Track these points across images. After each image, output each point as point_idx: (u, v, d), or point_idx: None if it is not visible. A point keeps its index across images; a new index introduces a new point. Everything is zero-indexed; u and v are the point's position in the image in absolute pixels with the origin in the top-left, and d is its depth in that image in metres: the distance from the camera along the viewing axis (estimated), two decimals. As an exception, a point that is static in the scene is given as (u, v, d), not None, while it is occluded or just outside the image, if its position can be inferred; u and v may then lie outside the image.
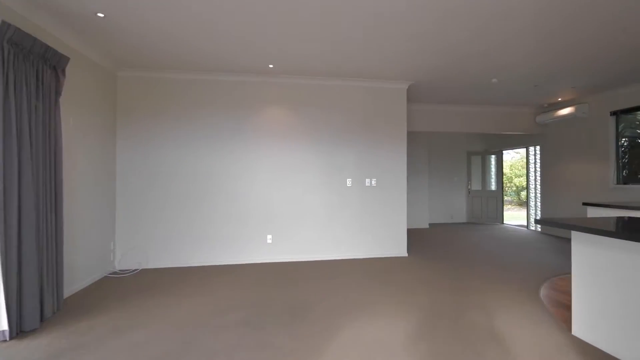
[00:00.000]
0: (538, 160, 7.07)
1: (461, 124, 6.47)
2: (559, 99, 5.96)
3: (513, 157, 15.16)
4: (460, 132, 7.81)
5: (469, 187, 8.62)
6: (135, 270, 4.18)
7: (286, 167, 4.69)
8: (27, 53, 2.54)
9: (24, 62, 2.52)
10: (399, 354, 2.22)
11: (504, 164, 9.14)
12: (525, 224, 7.68)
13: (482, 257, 4.86)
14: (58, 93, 2.91)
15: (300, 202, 4.72)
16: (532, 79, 4.79)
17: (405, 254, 4.97)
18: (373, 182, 4.92)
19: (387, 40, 3.41)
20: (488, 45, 3.62)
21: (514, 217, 10.12)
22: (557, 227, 2.98)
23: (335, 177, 4.82)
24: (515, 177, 14.94)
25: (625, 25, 3.05)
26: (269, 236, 4.63)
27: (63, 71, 2.95)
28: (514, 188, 14.80)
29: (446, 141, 8.57)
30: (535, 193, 7.24)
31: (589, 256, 2.37)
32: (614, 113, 5.41)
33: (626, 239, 2.05)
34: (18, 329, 2.46)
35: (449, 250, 5.32)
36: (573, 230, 2.42)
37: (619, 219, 2.65)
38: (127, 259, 4.26)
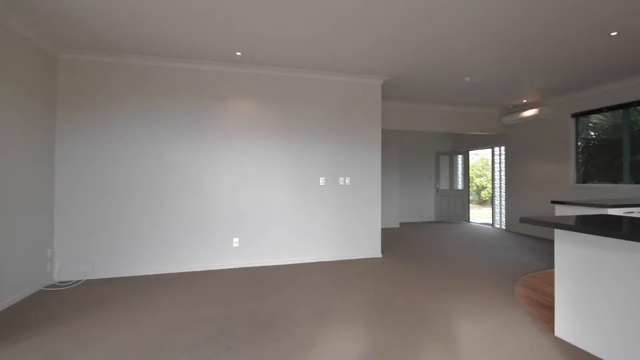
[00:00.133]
0: (503, 160, 7.28)
1: (432, 123, 6.48)
2: (524, 101, 6.15)
3: (472, 159, 15.80)
4: (430, 132, 7.88)
5: (438, 186, 8.74)
6: (79, 281, 3.64)
7: (255, 164, 4.35)
8: None
9: None
10: (385, 369, 2.00)
11: (467, 164, 9.38)
12: (491, 222, 7.90)
13: (455, 256, 4.83)
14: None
15: (271, 202, 4.40)
16: (503, 80, 4.84)
17: (380, 255, 4.82)
18: (347, 181, 4.71)
19: (363, 29, 3.21)
20: (462, 49, 3.72)
21: (475, 215, 10.45)
22: (542, 226, 2.91)
23: (307, 176, 4.55)
24: (476, 177, 15.60)
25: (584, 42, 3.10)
26: (236, 239, 4.26)
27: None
28: (475, 187, 15.47)
29: (416, 141, 8.62)
30: (500, 192, 7.46)
31: (574, 255, 2.31)
32: (574, 115, 5.65)
33: (612, 237, 1.99)
34: None
35: (422, 250, 5.26)
36: (557, 228, 2.35)
37: (599, 216, 2.64)
38: (68, 268, 3.70)
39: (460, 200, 8.56)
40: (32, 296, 3.21)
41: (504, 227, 7.28)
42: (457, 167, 8.70)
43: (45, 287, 3.44)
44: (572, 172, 5.70)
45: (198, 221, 4.12)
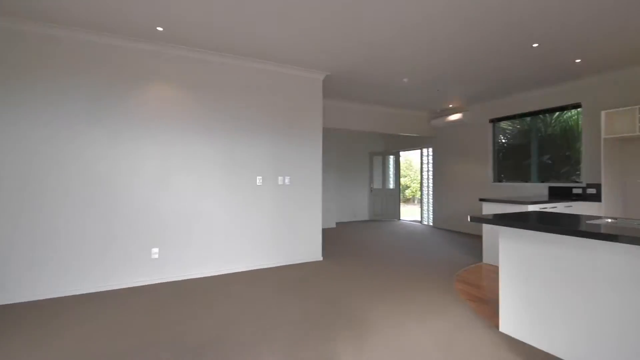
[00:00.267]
0: (431, 161, 7.74)
1: (369, 123, 6.53)
2: (450, 105, 6.57)
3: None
4: (365, 132, 7.99)
5: (372, 185, 8.94)
6: None
7: (180, 161, 3.74)
8: None
9: None
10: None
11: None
12: (419, 219, 8.35)
13: (393, 254, 4.87)
14: None
15: (198, 204, 3.84)
16: (436, 84, 5.05)
17: (321, 258, 4.60)
18: (287, 181, 4.39)
19: (303, 14, 2.93)
20: (403, 51, 3.77)
21: (402, 212, 11.02)
22: (489, 224, 2.97)
23: (243, 175, 4.10)
24: (401, 177, 16.71)
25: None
26: (155, 250, 3.60)
27: None
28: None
29: (351, 141, 8.69)
30: (428, 191, 7.92)
31: (517, 251, 2.36)
32: (491, 121, 6.21)
33: (547, 232, 2.05)
34: None
35: (360, 250, 5.20)
36: (502, 226, 2.38)
37: (535, 212, 2.78)
38: None
39: (392, 199, 8.89)
40: None
41: (431, 224, 7.73)
42: (389, 167, 9.02)
43: None
44: (490, 172, 6.26)
45: (108, 230, 3.37)
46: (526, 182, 5.72)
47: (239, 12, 2.90)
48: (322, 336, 2.38)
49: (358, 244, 5.73)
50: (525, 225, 2.16)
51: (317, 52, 3.81)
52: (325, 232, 6.70)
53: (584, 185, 4.78)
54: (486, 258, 4.39)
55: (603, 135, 4.12)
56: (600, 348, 1.92)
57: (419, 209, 8.45)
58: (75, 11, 2.88)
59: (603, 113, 4.14)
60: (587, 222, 2.19)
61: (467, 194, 6.64)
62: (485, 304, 2.99)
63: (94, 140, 3.33)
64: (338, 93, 5.59)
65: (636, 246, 1.75)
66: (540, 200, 4.19)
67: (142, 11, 2.89)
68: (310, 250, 4.53)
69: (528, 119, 5.72)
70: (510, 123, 6.04)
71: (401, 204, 9.14)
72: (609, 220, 2.26)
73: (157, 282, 3.58)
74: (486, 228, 4.38)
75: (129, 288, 3.40)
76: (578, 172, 5.03)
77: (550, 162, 5.47)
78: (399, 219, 8.85)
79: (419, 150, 8.22)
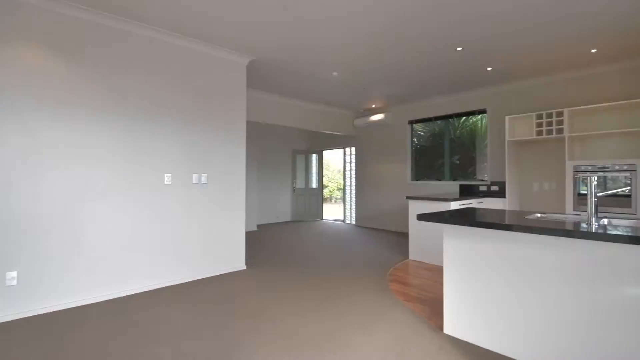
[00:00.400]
0: (353, 160, 7.80)
1: (293, 119, 6.19)
2: (373, 106, 6.68)
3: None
4: (288, 129, 7.64)
5: (294, 185, 8.63)
6: None
7: (54, 152, 2.79)
8: None
9: None
10: None
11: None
12: (342, 218, 8.37)
13: (322, 257, 4.61)
14: None
15: (85, 208, 2.94)
16: (362, 82, 4.98)
17: (244, 267, 4.07)
18: (203, 179, 3.73)
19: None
20: (332, 41, 3.58)
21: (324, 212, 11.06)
22: (434, 222, 2.86)
23: (145, 171, 3.31)
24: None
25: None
26: (12, 274, 2.60)
27: None
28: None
29: (274, 137, 8.23)
30: (351, 190, 7.98)
31: (460, 250, 2.28)
32: (410, 122, 6.51)
33: (484, 228, 2.01)
34: None
35: (287, 254, 4.82)
36: (446, 223, 2.28)
37: (471, 209, 2.79)
38: None
39: (315, 199, 8.73)
40: None
41: (354, 223, 7.80)
42: (311, 166, 8.85)
43: None
44: (408, 172, 6.56)
45: None
46: (440, 180, 6.12)
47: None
48: (255, 370, 1.92)
49: (284, 247, 5.33)
50: (479, 224, 2.07)
51: (240, 26, 3.27)
52: (247, 236, 6.12)
53: (488, 183, 5.28)
54: (412, 255, 4.46)
55: (507, 138, 4.58)
56: (537, 342, 1.92)
57: (341, 208, 8.47)
58: None
59: (507, 118, 4.60)
60: (526, 217, 2.22)
61: (388, 193, 6.85)
62: (420, 302, 2.92)
63: None
64: (263, 83, 5.10)
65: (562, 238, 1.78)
66: (458, 197, 4.44)
67: None
68: (231, 259, 3.96)
69: (440, 122, 6.14)
70: (425, 125, 6.41)
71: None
72: (539, 215, 2.35)
73: (16, 317, 2.58)
74: (413, 226, 4.45)
75: (-37, 333, 2.35)
76: (483, 172, 5.56)
77: (458, 162, 5.95)
78: (322, 219, 8.75)
79: (342, 150, 8.24)
